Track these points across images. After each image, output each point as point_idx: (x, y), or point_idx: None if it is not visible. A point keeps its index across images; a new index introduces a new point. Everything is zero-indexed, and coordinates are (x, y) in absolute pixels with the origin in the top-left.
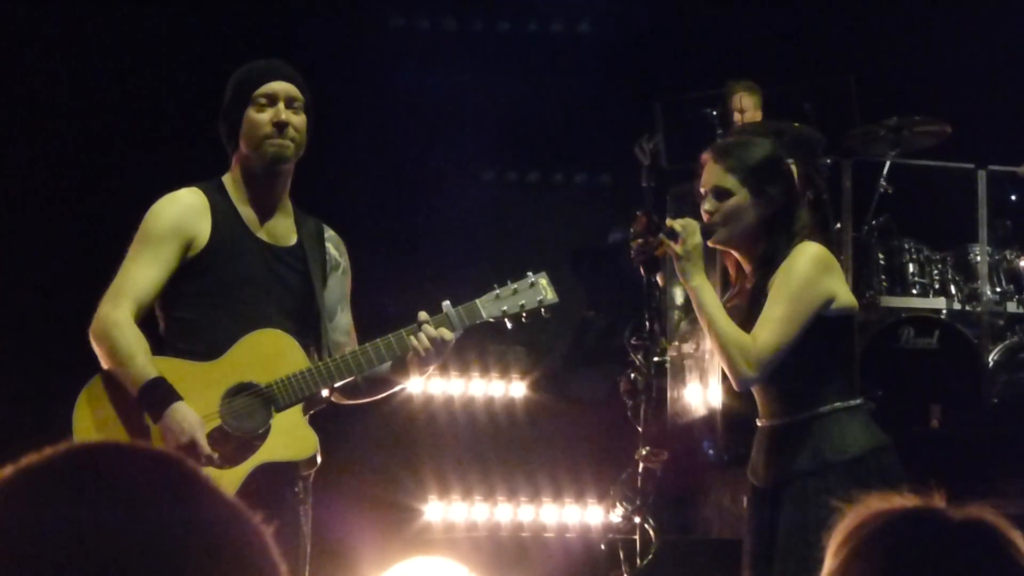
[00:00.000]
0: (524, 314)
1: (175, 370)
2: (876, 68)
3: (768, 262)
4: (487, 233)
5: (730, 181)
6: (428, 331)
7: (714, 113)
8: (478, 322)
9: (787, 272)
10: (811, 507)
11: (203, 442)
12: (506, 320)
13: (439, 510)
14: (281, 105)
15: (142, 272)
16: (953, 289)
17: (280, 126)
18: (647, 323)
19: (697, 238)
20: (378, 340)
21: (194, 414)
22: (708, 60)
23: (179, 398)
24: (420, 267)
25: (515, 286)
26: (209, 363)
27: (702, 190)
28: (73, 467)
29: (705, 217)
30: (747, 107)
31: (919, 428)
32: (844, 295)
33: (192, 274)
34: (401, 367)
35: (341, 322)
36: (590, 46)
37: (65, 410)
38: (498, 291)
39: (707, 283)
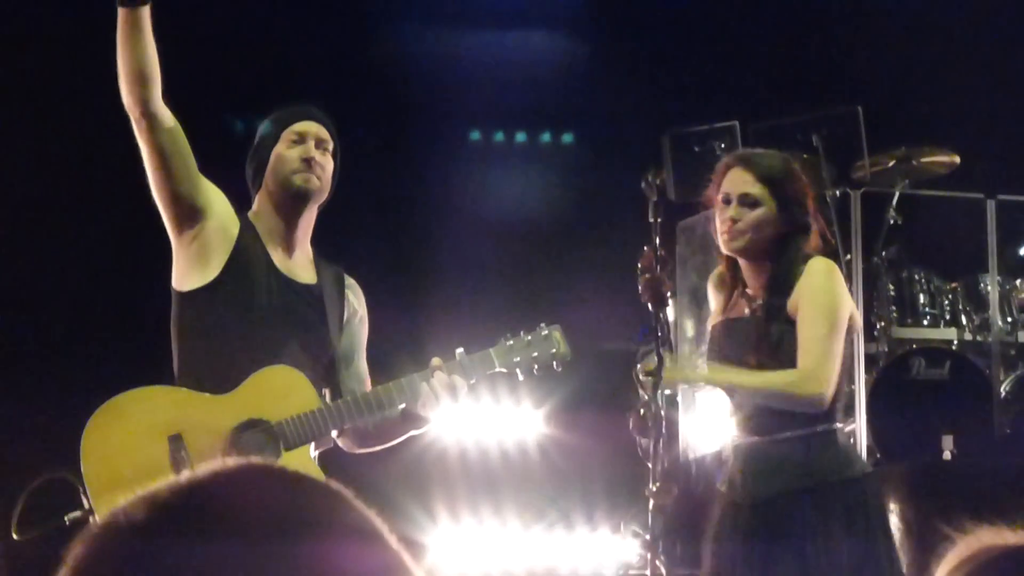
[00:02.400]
0: (536, 366)
1: (186, 402)
2: (884, 99)
3: (782, 279)
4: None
5: (758, 190)
6: (441, 378)
7: (722, 146)
8: (490, 371)
9: (814, 289)
10: (808, 524)
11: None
12: (518, 371)
13: (448, 544)
14: (311, 144)
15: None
16: (964, 319)
17: (308, 162)
18: (657, 357)
19: (673, 375)
20: (390, 383)
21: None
22: (716, 93)
23: None
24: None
25: (528, 337)
26: (221, 396)
27: (724, 194)
28: (241, 493)
29: (727, 224)
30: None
31: (932, 459)
32: (855, 313)
33: (208, 301)
34: (412, 412)
35: (357, 369)
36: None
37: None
38: (511, 342)
39: (710, 370)
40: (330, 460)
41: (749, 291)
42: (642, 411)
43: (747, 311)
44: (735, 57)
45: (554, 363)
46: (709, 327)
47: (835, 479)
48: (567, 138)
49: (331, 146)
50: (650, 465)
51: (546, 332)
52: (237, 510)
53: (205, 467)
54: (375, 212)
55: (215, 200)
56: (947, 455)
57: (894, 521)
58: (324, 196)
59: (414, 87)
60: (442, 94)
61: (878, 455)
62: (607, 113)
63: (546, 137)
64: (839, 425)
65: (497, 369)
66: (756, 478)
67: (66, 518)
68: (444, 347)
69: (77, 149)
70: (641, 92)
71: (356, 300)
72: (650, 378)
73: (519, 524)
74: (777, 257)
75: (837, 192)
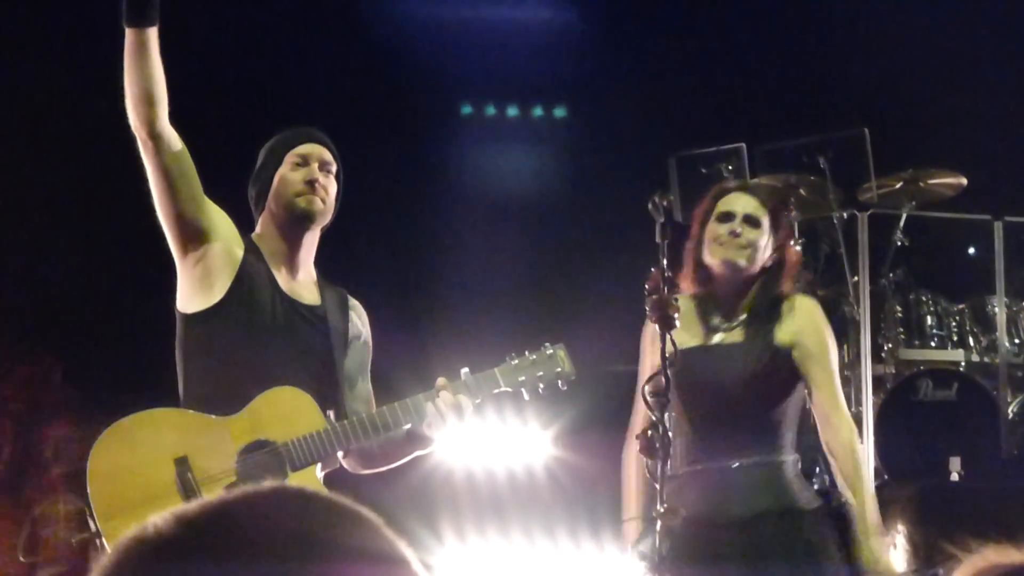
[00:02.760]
0: (541, 385)
1: (192, 425)
2: (891, 120)
3: (767, 309)
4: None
5: (762, 214)
6: (446, 397)
7: (729, 168)
8: (495, 391)
9: (820, 332)
10: (781, 545)
11: None
12: (523, 390)
13: (455, 565)
14: (314, 166)
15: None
16: (971, 341)
17: (311, 184)
18: (664, 378)
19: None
20: (395, 404)
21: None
22: (723, 114)
23: None
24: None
25: (533, 357)
26: (226, 418)
27: (725, 212)
28: (267, 517)
29: (731, 235)
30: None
31: (939, 480)
32: None
33: (212, 323)
34: (417, 432)
35: (361, 391)
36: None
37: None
38: (516, 361)
39: (876, 543)
40: (337, 480)
41: (719, 318)
42: (649, 432)
43: (719, 338)
44: (742, 80)
45: (559, 382)
46: (661, 351)
47: (801, 507)
48: (584, 161)
49: (334, 168)
50: (657, 486)
51: (551, 351)
52: (266, 531)
53: (239, 489)
54: (379, 231)
55: (220, 222)
56: (955, 476)
57: (901, 542)
58: (327, 218)
59: (420, 90)
60: (453, 92)
61: (885, 476)
62: (626, 135)
63: (554, 152)
64: (797, 456)
65: (502, 388)
66: (732, 499)
67: (72, 540)
68: (449, 366)
69: (82, 169)
70: (659, 125)
71: (360, 321)
72: (657, 398)
73: (526, 545)
74: (762, 285)
75: (844, 214)
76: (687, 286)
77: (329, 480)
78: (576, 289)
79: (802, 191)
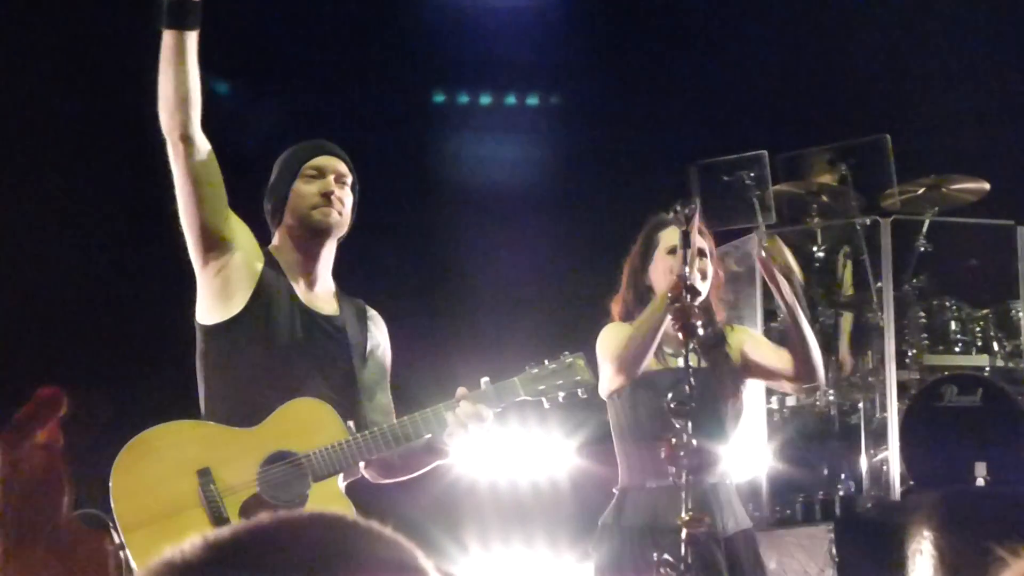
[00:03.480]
0: (561, 394)
1: (214, 436)
2: (913, 127)
3: (713, 332)
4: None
5: (706, 246)
6: (466, 407)
7: (751, 175)
8: (515, 400)
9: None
10: (748, 561)
11: None
12: (543, 399)
13: (478, 574)
14: (330, 178)
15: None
16: (995, 346)
17: (327, 197)
18: (688, 387)
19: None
20: (416, 414)
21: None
22: (745, 122)
23: None
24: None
25: (552, 366)
26: (248, 430)
27: (673, 245)
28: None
29: (700, 275)
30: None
31: (965, 486)
32: None
33: (232, 335)
34: (438, 443)
35: (380, 402)
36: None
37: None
38: (535, 370)
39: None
40: (362, 490)
41: (667, 342)
42: (673, 440)
43: (680, 361)
44: (765, 87)
45: (578, 391)
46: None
47: (748, 524)
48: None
49: (349, 179)
50: (683, 495)
51: (569, 360)
52: (298, 558)
53: (269, 514)
54: (397, 239)
55: (241, 233)
56: (980, 482)
57: (928, 548)
58: (344, 230)
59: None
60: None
61: (911, 482)
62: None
63: (572, 159)
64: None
65: (522, 397)
66: (720, 513)
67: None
68: (471, 373)
69: (104, 182)
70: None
71: (378, 332)
72: (681, 407)
73: (549, 554)
74: (704, 310)
75: (867, 220)
76: (621, 311)
77: (352, 490)
78: (599, 296)
79: (824, 197)
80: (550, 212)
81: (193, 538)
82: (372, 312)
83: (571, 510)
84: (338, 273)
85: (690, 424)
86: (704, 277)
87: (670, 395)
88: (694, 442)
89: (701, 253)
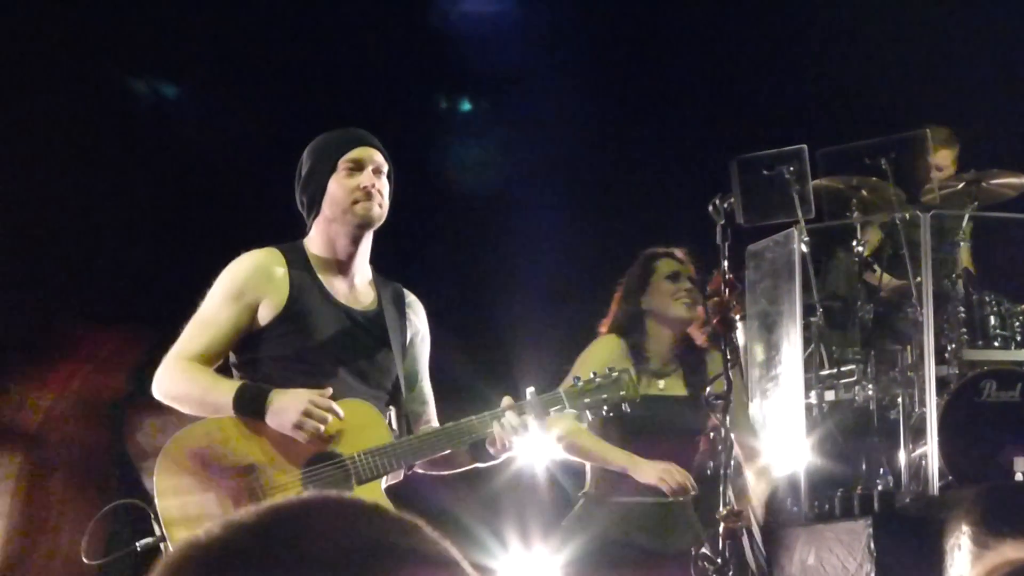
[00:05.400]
0: (605, 408)
1: (258, 434)
2: (953, 121)
3: (693, 359)
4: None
5: (694, 274)
6: (512, 419)
7: (791, 169)
8: (560, 411)
9: (734, 382)
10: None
11: (318, 398)
12: (587, 412)
13: (518, 570)
14: (369, 170)
15: (205, 334)
16: None
17: (368, 190)
18: (726, 381)
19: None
20: (462, 421)
21: (297, 389)
22: (787, 116)
23: (270, 388)
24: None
25: (598, 380)
26: None
27: (677, 271)
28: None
29: (685, 295)
30: (944, 164)
31: (1004, 481)
32: None
33: (271, 339)
34: (481, 449)
35: (421, 391)
36: None
37: None
38: (581, 383)
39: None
40: (404, 486)
41: (652, 363)
42: (712, 435)
43: (662, 385)
44: (806, 81)
45: (623, 405)
46: (723, 354)
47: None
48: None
49: (386, 169)
50: (721, 489)
51: (616, 374)
52: (318, 538)
53: (291, 497)
54: (453, 239)
55: (244, 295)
56: (1019, 477)
57: (966, 543)
58: (383, 220)
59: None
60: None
61: (950, 477)
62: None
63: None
64: None
65: (568, 408)
66: (680, 532)
67: (137, 545)
68: (521, 373)
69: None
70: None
71: (417, 319)
72: (720, 402)
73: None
74: (684, 337)
75: (907, 215)
76: (610, 326)
77: (394, 487)
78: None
79: (864, 192)
80: (585, 213)
81: (218, 521)
82: (410, 298)
83: None
84: (387, 268)
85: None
86: (694, 304)
87: (708, 389)
88: (732, 436)
89: (693, 281)
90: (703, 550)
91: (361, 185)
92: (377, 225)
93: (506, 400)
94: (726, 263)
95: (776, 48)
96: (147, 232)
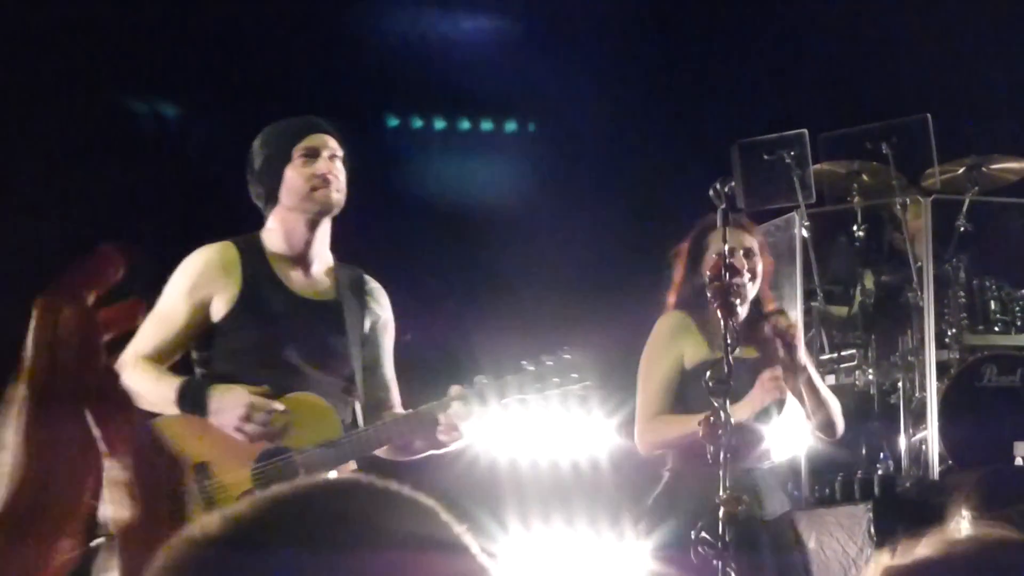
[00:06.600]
0: (558, 392)
1: (212, 431)
2: (953, 106)
3: (759, 323)
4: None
5: (754, 244)
6: (458, 409)
7: (792, 154)
8: (511, 398)
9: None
10: (799, 541)
11: (256, 399)
12: (541, 397)
13: (519, 554)
14: (325, 156)
15: (158, 332)
16: None
17: (326, 177)
18: (726, 364)
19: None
20: (409, 413)
21: (236, 386)
22: (786, 102)
23: (210, 385)
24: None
25: (550, 363)
26: None
27: (727, 250)
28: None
29: (750, 274)
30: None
31: (1004, 466)
32: None
33: (227, 332)
34: (431, 438)
35: (381, 378)
36: None
37: None
38: (532, 368)
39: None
40: (402, 466)
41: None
42: (712, 419)
43: (737, 352)
44: (806, 67)
45: (577, 387)
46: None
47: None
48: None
49: (341, 153)
50: (720, 473)
51: (568, 356)
52: (319, 522)
53: (292, 482)
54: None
55: (194, 293)
56: (1020, 461)
57: (966, 527)
58: (342, 206)
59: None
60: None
61: (950, 462)
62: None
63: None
64: None
65: (519, 395)
66: (765, 498)
67: (92, 544)
68: (505, 355)
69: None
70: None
71: (377, 305)
72: (720, 385)
73: (591, 534)
74: (755, 304)
75: (907, 200)
76: (676, 300)
77: (395, 466)
78: (641, 274)
79: (865, 177)
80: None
81: (212, 514)
82: (372, 284)
83: (611, 490)
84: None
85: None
86: (754, 276)
87: (708, 374)
88: (732, 421)
89: (750, 253)
90: (703, 535)
91: (318, 172)
92: (336, 211)
93: (454, 389)
94: (727, 248)
95: (777, 32)
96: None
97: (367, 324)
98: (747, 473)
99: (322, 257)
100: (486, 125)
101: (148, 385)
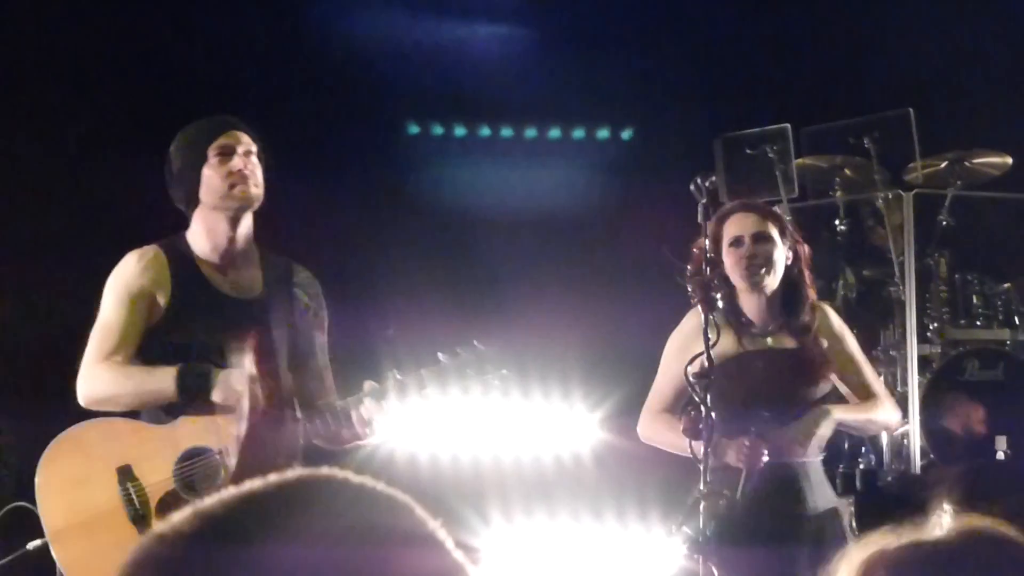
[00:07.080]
0: (470, 384)
1: (139, 433)
2: (936, 101)
3: (801, 314)
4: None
5: (770, 228)
6: (369, 406)
7: (774, 148)
8: (426, 390)
9: (847, 334)
10: (837, 538)
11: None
12: (455, 390)
13: (501, 547)
14: (240, 153)
15: (112, 337)
16: (1017, 320)
17: (242, 174)
18: (707, 359)
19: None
20: (323, 406)
21: (235, 370)
22: (768, 96)
23: (211, 368)
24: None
25: (462, 356)
26: (165, 426)
27: (734, 237)
28: (303, 498)
29: (746, 261)
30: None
31: (986, 460)
32: None
33: (154, 335)
34: (351, 431)
35: (313, 369)
36: None
37: None
38: (446, 361)
39: (831, 409)
40: (378, 463)
41: (753, 323)
42: (693, 413)
43: (769, 342)
44: (788, 61)
45: (490, 380)
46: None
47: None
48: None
49: (255, 149)
50: (701, 467)
51: (482, 348)
52: (290, 518)
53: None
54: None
55: (135, 298)
56: (1001, 456)
57: (948, 522)
58: (261, 200)
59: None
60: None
61: (931, 456)
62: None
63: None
64: None
65: (432, 388)
66: (807, 493)
67: (28, 546)
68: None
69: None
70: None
71: (306, 295)
72: (701, 380)
73: (573, 527)
74: (791, 290)
75: (890, 194)
76: (701, 293)
77: (367, 460)
78: (623, 265)
79: (847, 171)
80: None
81: (184, 509)
82: (302, 275)
83: (594, 484)
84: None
85: (709, 397)
86: (768, 262)
87: (688, 365)
88: (713, 415)
89: (763, 238)
90: (684, 528)
91: (234, 169)
92: (256, 205)
93: (367, 386)
94: (708, 242)
95: (760, 26)
96: None
97: (296, 315)
98: (788, 467)
99: (247, 252)
100: (505, 132)
101: (133, 383)
